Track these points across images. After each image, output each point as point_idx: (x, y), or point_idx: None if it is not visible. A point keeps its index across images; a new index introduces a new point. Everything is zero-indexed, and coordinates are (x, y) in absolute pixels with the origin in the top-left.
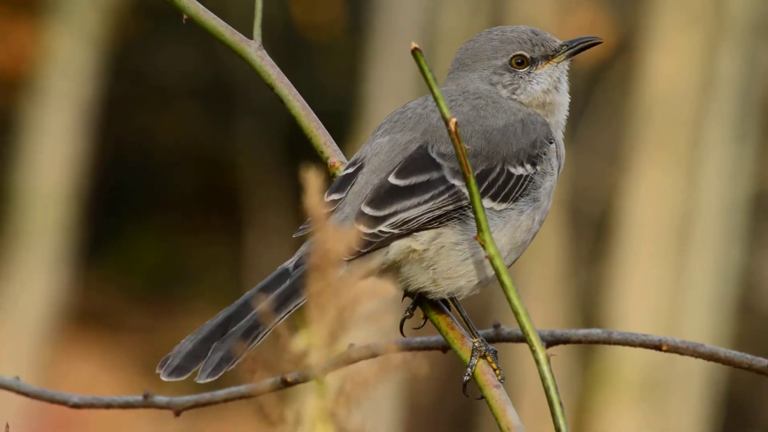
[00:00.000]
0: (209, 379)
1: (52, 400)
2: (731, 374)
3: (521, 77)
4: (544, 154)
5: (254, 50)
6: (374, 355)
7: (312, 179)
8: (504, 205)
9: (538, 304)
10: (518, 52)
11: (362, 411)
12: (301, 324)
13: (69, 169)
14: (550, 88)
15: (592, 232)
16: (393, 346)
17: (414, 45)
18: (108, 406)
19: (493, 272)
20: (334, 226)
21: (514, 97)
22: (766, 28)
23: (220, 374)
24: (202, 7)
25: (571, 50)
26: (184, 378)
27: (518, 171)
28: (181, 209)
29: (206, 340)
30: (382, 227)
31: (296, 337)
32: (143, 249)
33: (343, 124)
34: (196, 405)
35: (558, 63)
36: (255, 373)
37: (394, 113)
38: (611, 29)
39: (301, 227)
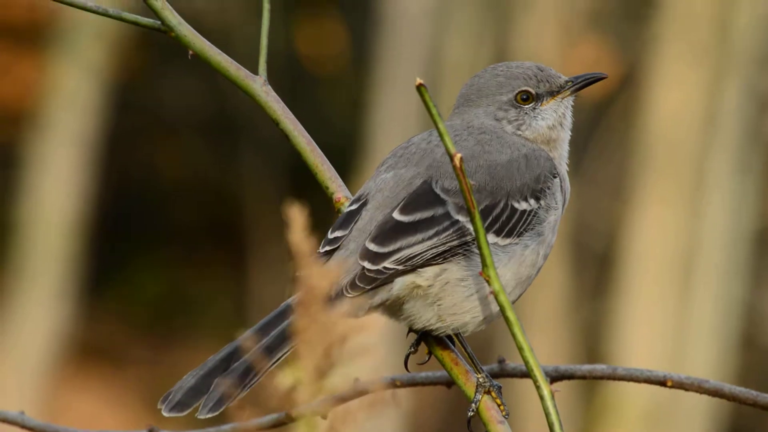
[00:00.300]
0: (209, 415)
1: None
2: (735, 409)
3: (526, 113)
4: (548, 188)
5: (259, 86)
6: (365, 393)
7: (296, 216)
8: (508, 240)
9: (542, 338)
10: (523, 88)
11: None
12: (290, 359)
13: (73, 201)
14: (555, 124)
15: (596, 266)
16: (392, 385)
17: (418, 81)
18: None
19: (498, 308)
20: (335, 263)
21: (519, 132)
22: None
23: (221, 410)
24: (207, 42)
25: (576, 86)
26: (185, 414)
27: (522, 206)
28: (184, 242)
29: (208, 376)
30: (387, 263)
31: (283, 374)
32: (146, 282)
33: (347, 158)
34: None
35: (563, 99)
36: (245, 413)
37: (398, 148)
38: (615, 63)
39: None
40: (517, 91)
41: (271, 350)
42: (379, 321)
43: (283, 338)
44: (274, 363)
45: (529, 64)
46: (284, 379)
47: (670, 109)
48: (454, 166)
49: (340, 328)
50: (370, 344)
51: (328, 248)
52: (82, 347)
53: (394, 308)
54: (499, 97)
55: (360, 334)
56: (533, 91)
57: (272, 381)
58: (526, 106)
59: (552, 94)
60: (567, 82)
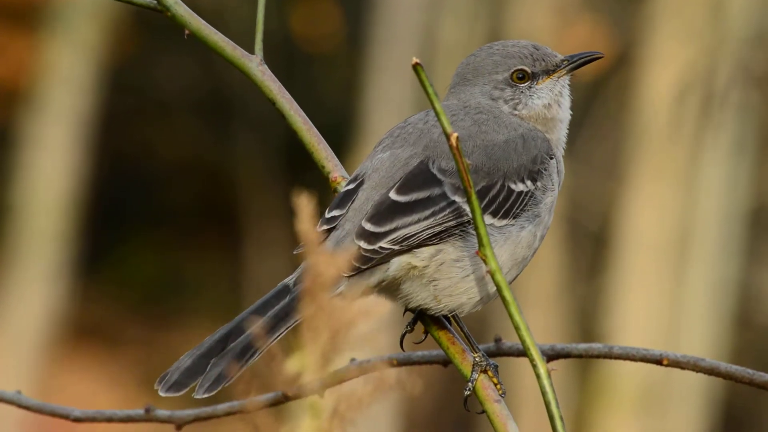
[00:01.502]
0: (206, 395)
1: (54, 414)
2: (730, 387)
3: (522, 92)
4: (545, 169)
5: (255, 65)
6: (364, 372)
7: (304, 204)
8: (505, 221)
9: (537, 318)
10: (519, 67)
11: (358, 428)
12: (296, 345)
13: (67, 182)
14: (551, 103)
15: (591, 246)
16: (388, 364)
17: (415, 60)
18: (110, 420)
19: (494, 288)
20: (329, 247)
21: (516, 112)
22: (764, 41)
23: (217, 390)
24: (203, 22)
25: (572, 65)
26: (181, 394)
27: (519, 187)
28: (179, 222)
29: (205, 356)
30: (383, 243)
31: (289, 359)
32: (142, 262)
33: (342, 137)
34: (198, 419)
35: (559, 78)
36: (249, 392)
37: (395, 128)
38: (610, 43)
39: (299, 246)
40: (512, 70)
41: (269, 329)
42: (383, 306)
43: (282, 317)
44: (272, 341)
45: (525, 43)
46: (291, 365)
47: (664, 88)
48: (450, 146)
49: (346, 314)
50: (374, 330)
51: (325, 227)
52: (77, 327)
53: (390, 289)
54: (495, 76)
55: (365, 320)
56: (529, 70)
57: (278, 366)
58: (522, 85)
59: (548, 72)
60: (563, 60)
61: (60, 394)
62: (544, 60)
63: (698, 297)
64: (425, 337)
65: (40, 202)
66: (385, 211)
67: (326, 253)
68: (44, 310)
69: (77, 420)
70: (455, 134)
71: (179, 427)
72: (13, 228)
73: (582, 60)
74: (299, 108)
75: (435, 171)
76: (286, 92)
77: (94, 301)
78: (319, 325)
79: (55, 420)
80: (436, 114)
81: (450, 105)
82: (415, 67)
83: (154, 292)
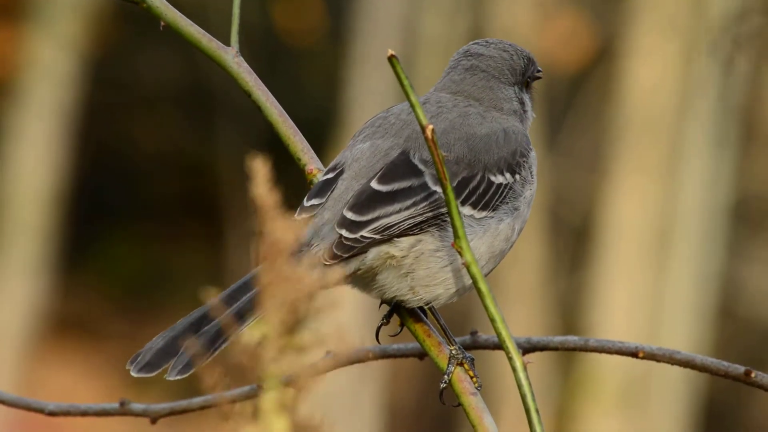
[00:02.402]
0: (179, 377)
1: (29, 408)
2: (711, 381)
3: (528, 98)
4: (525, 162)
5: (231, 57)
6: (347, 362)
7: (259, 168)
8: (484, 213)
9: (519, 311)
10: (538, 74)
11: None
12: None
13: (49, 175)
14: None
15: (573, 239)
16: (364, 357)
17: (390, 52)
18: (84, 413)
19: (471, 281)
20: (308, 235)
21: (525, 116)
22: (745, 36)
23: (190, 372)
24: (179, 14)
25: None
26: (153, 375)
27: (498, 179)
28: (161, 215)
29: (177, 338)
30: (364, 232)
31: (249, 330)
32: (123, 255)
33: (324, 130)
34: (173, 413)
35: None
36: (213, 374)
37: (377, 117)
38: (591, 36)
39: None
40: (530, 74)
41: (241, 315)
42: (340, 275)
43: (255, 303)
44: (244, 327)
45: (523, 49)
46: (251, 334)
47: (646, 81)
48: (425, 138)
49: (306, 281)
50: (336, 298)
51: (304, 216)
52: (59, 321)
53: (365, 279)
54: (513, 77)
55: (326, 288)
56: (529, 77)
57: (240, 339)
58: (528, 91)
59: (530, 82)
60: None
61: (42, 388)
62: (535, 69)
63: (680, 290)
64: (401, 330)
65: (22, 195)
66: (367, 200)
67: (284, 218)
68: (26, 303)
69: (52, 414)
70: (431, 126)
71: (154, 420)
72: None
73: (537, 76)
74: (275, 100)
75: (416, 162)
76: (262, 84)
77: (76, 295)
78: (279, 292)
79: (34, 414)
80: (411, 106)
81: (442, 97)
82: (390, 59)
83: (137, 286)
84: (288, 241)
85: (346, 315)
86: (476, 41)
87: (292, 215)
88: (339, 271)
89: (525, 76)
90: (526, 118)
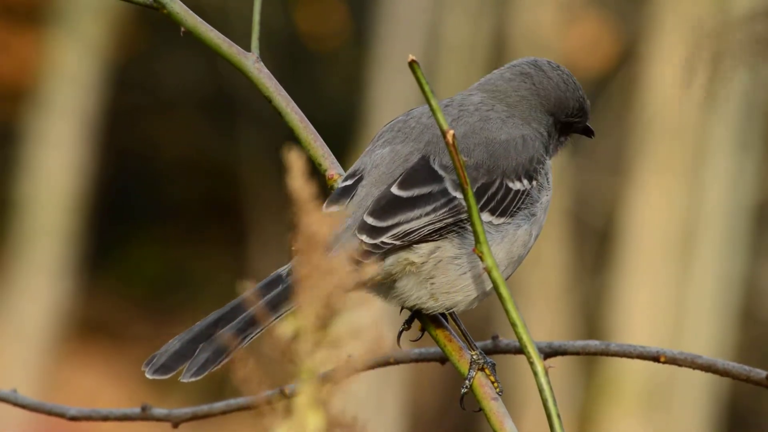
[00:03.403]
0: (193, 379)
1: (50, 413)
2: (734, 384)
3: (560, 139)
4: (542, 169)
5: (252, 62)
6: (378, 364)
7: (295, 161)
8: (502, 220)
9: (541, 315)
10: (578, 119)
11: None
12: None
13: (72, 179)
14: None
15: (595, 242)
16: (386, 362)
17: (411, 57)
18: (105, 418)
19: (491, 286)
20: (328, 240)
21: (549, 150)
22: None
23: (205, 374)
24: (199, 19)
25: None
26: (168, 377)
27: (516, 185)
28: (183, 219)
29: (194, 341)
30: (384, 238)
31: (283, 324)
32: (146, 259)
33: (346, 134)
34: (194, 417)
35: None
36: (245, 373)
37: (396, 121)
38: (614, 40)
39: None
40: (565, 114)
41: (274, 305)
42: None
43: (289, 295)
44: (262, 329)
45: (582, 94)
46: (285, 328)
47: (669, 84)
48: (446, 143)
49: (341, 275)
50: (367, 295)
51: (338, 209)
52: (83, 324)
53: (385, 285)
54: (554, 109)
55: (358, 283)
56: (571, 121)
57: (272, 332)
58: (558, 135)
59: (570, 126)
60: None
61: (65, 390)
62: (584, 121)
63: (703, 293)
64: (422, 335)
65: (46, 198)
66: (387, 206)
67: (319, 210)
68: (49, 306)
69: (73, 419)
70: (452, 131)
71: (176, 425)
72: (19, 225)
73: (586, 132)
74: (295, 106)
75: (436, 167)
76: (283, 89)
77: (99, 298)
78: (314, 285)
79: (54, 419)
80: (432, 111)
81: (466, 99)
82: (411, 64)
83: (159, 288)
84: (324, 234)
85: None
86: (549, 60)
87: (326, 209)
88: (372, 267)
89: (567, 116)
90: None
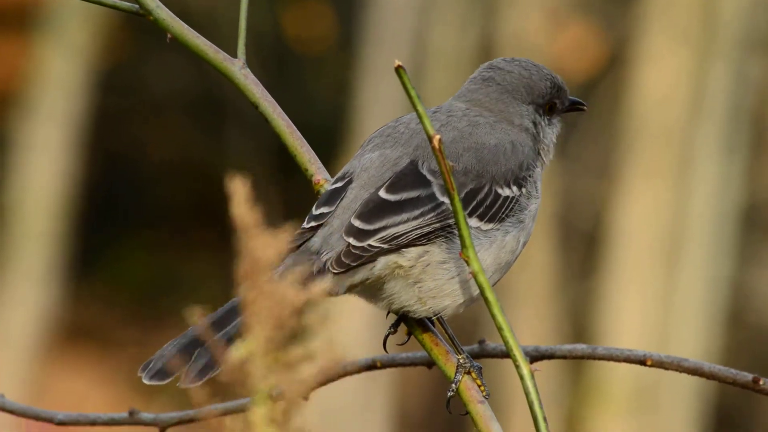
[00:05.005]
0: (191, 385)
1: (38, 418)
2: (721, 387)
3: (546, 124)
4: (530, 176)
5: (238, 68)
6: (336, 377)
7: (238, 187)
8: (490, 225)
9: (529, 319)
10: (554, 99)
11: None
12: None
13: (59, 183)
14: (555, 141)
15: (583, 246)
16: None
17: (397, 62)
18: (93, 423)
19: (478, 291)
20: (317, 243)
21: (538, 141)
22: (756, 42)
23: (204, 380)
24: (186, 26)
25: (570, 108)
26: (165, 382)
27: (505, 192)
28: (171, 223)
29: (190, 346)
30: (372, 241)
31: (235, 346)
32: (134, 263)
33: (333, 138)
34: (182, 421)
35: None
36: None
37: (386, 127)
38: (601, 44)
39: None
40: (549, 99)
41: (230, 339)
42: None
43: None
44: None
45: (549, 73)
46: (236, 351)
47: (657, 88)
48: (432, 148)
49: (290, 297)
50: (327, 314)
51: (313, 224)
52: (70, 328)
53: (373, 289)
54: (532, 98)
55: (314, 303)
56: (558, 105)
57: (226, 354)
58: (547, 117)
59: (560, 110)
60: (572, 102)
61: (53, 395)
62: (564, 97)
63: (691, 296)
64: (408, 339)
65: (32, 203)
66: (375, 209)
67: (264, 235)
68: (36, 311)
69: (61, 423)
70: (438, 136)
71: (163, 429)
72: (5, 229)
73: (576, 106)
74: (282, 111)
75: (424, 172)
76: (269, 95)
77: (86, 302)
78: (262, 309)
79: (42, 424)
80: (418, 116)
81: (454, 106)
82: (398, 69)
83: (147, 293)
84: (269, 259)
85: (354, 324)
86: (503, 57)
87: (276, 232)
88: (344, 280)
89: (546, 99)
90: (539, 140)
